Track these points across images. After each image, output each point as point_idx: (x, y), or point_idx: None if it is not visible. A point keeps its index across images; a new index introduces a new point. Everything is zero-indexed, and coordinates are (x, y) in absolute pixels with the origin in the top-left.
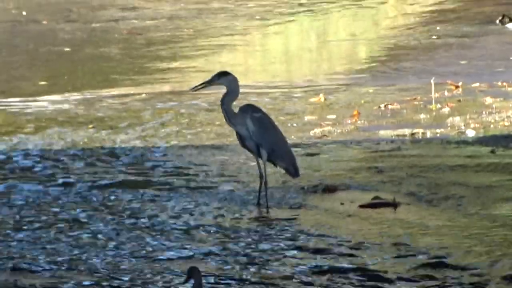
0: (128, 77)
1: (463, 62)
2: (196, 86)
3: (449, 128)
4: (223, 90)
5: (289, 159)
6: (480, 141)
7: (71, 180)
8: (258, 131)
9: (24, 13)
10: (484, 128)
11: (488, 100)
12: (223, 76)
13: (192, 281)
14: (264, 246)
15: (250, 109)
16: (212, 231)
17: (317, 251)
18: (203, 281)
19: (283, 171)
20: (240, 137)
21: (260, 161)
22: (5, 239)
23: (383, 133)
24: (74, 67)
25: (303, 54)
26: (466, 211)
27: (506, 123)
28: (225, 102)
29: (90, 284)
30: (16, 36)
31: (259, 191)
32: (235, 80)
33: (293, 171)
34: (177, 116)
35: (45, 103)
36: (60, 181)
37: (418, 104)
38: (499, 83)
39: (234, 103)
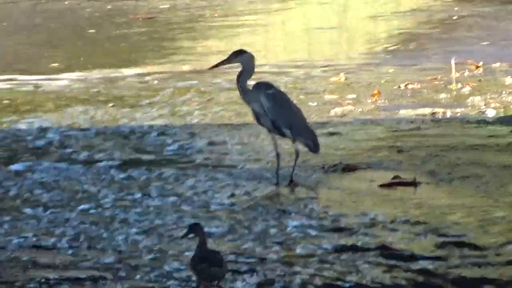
0: (148, 56)
1: (483, 42)
2: (214, 65)
3: (469, 107)
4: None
5: (308, 135)
6: (500, 120)
7: (91, 158)
8: (273, 108)
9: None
10: (504, 108)
11: (509, 80)
12: (239, 55)
13: (192, 235)
14: (283, 224)
15: (264, 86)
16: (231, 210)
17: (337, 230)
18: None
19: (305, 148)
20: (256, 115)
21: (276, 139)
22: (25, 218)
23: (403, 112)
24: (94, 46)
25: (323, 34)
26: (485, 190)
27: None
28: (241, 79)
29: (110, 263)
30: (37, 15)
31: (277, 169)
32: (251, 57)
33: (312, 146)
34: (197, 95)
35: (65, 81)
36: (80, 159)
37: (438, 83)
38: None
39: (251, 81)
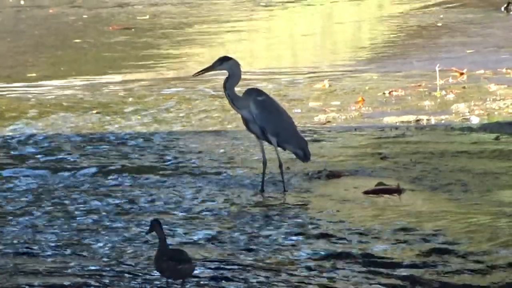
0: (132, 63)
1: (467, 49)
2: (198, 72)
3: (453, 114)
4: (226, 74)
5: (297, 143)
6: (484, 128)
7: (76, 165)
8: (261, 114)
9: (22, 1)
10: (488, 115)
11: (493, 87)
12: (224, 61)
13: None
14: (268, 231)
15: (254, 92)
16: (215, 217)
17: (321, 237)
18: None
19: (293, 155)
20: (245, 121)
21: (264, 146)
22: (9, 224)
23: (387, 119)
24: (78, 53)
25: (307, 40)
26: (470, 197)
27: (511, 110)
28: (228, 86)
29: (94, 269)
30: (21, 22)
31: (263, 177)
32: (236, 64)
33: (302, 155)
34: (181, 102)
35: (49, 88)
36: (65, 166)
37: (422, 90)
38: (504, 70)
39: (237, 88)
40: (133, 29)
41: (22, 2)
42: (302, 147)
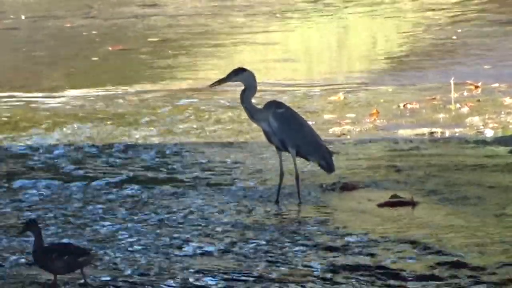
0: (147, 74)
1: (483, 62)
2: (213, 83)
3: (467, 127)
4: (242, 86)
5: (319, 154)
6: (498, 141)
7: (90, 175)
8: (281, 127)
9: (23, 17)
10: (502, 128)
11: (508, 100)
12: (239, 73)
13: (30, 233)
14: (281, 243)
15: (273, 105)
16: (230, 228)
17: (335, 249)
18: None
19: (310, 167)
20: (266, 134)
21: (284, 158)
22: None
23: (402, 132)
24: (93, 63)
25: (322, 52)
26: (483, 211)
27: None
28: (245, 99)
29: (107, 280)
30: (37, 32)
31: (278, 188)
32: (251, 75)
33: (325, 165)
34: (196, 113)
35: (64, 98)
36: (78, 176)
37: (437, 103)
38: None
39: (253, 100)
40: (130, 49)
41: (23, 17)
42: (325, 158)
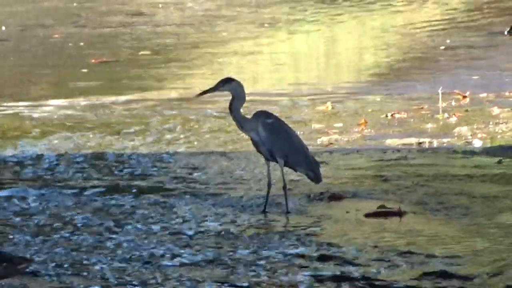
0: (135, 83)
1: (470, 72)
2: (200, 93)
3: (456, 137)
4: (230, 96)
5: (307, 165)
6: (486, 151)
7: (77, 185)
8: (269, 137)
9: (3, 28)
10: (491, 138)
11: (496, 110)
12: (227, 83)
13: None
14: (269, 253)
15: (262, 115)
16: (217, 238)
17: (322, 259)
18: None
19: (298, 177)
20: (254, 143)
21: (272, 168)
22: (12, 244)
23: (389, 142)
24: (81, 73)
25: (311, 62)
26: (472, 220)
27: None
28: (234, 109)
29: None
30: (24, 40)
31: (266, 198)
32: (239, 85)
33: (312, 176)
34: (184, 123)
35: (52, 107)
36: (67, 186)
37: (425, 113)
38: (507, 93)
39: (243, 110)
40: (115, 61)
41: (3, 28)
42: (313, 169)
